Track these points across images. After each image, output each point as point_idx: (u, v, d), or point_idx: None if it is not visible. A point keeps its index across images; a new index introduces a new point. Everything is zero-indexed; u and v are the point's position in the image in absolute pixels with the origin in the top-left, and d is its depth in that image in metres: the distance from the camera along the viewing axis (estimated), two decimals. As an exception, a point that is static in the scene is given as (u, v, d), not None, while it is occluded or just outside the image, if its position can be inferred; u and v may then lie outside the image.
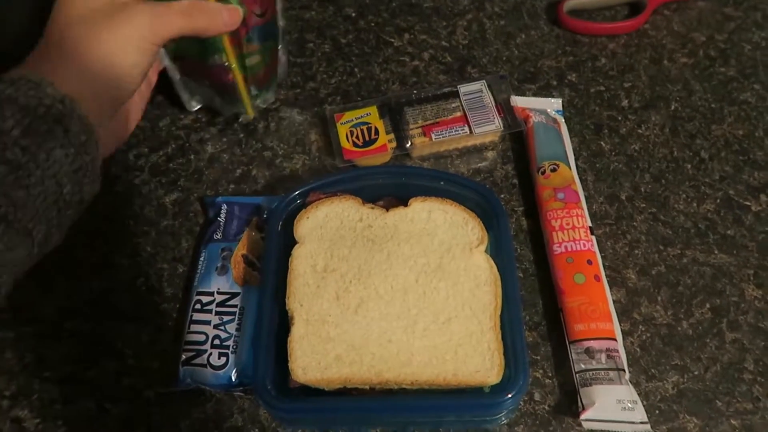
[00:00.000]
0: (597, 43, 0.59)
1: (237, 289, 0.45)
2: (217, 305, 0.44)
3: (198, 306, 0.44)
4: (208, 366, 0.42)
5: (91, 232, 0.50)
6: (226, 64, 0.48)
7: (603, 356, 0.42)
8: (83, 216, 0.50)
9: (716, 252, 0.48)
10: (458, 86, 0.54)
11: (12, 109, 0.32)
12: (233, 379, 0.42)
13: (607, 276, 0.46)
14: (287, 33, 0.54)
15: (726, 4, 0.60)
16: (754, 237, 0.49)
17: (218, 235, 0.47)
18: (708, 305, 0.46)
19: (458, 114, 0.52)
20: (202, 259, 0.47)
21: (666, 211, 0.50)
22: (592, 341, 0.43)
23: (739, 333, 0.45)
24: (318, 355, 0.40)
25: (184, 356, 0.43)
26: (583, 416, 0.40)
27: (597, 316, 0.43)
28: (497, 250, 0.44)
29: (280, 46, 0.52)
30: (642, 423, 0.40)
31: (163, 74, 0.50)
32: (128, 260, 0.48)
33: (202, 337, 0.43)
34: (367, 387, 0.40)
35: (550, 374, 0.44)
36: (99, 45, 0.36)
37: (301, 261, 0.43)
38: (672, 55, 0.58)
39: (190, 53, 0.49)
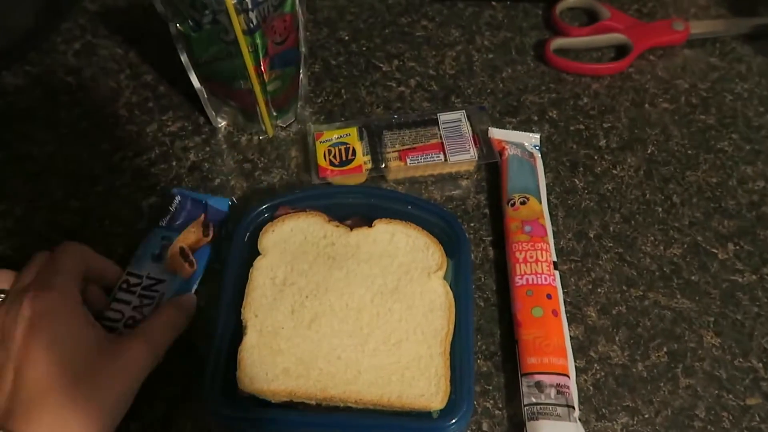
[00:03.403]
0: (581, 82, 0.60)
1: (164, 277, 0.46)
2: (143, 288, 0.45)
3: (124, 286, 0.45)
4: None
5: (67, 230, 0.51)
6: (249, 88, 0.51)
7: (553, 391, 0.42)
8: (61, 214, 0.52)
9: (678, 296, 0.48)
10: (438, 114, 0.55)
11: None
12: None
13: (567, 312, 0.47)
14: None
15: (711, 54, 0.61)
16: (717, 284, 0.49)
17: (163, 223, 0.48)
18: (665, 349, 0.46)
19: (435, 141, 0.53)
20: (142, 243, 0.47)
21: (632, 252, 0.50)
22: (543, 375, 0.43)
23: (693, 379, 0.45)
24: (266, 366, 0.40)
25: None
26: (525, 449, 0.40)
27: (550, 350, 0.43)
28: (456, 278, 0.44)
29: (301, 71, 0.54)
30: (585, 461, 0.40)
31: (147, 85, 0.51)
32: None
33: (118, 315, 0.44)
34: (313, 402, 0.40)
35: (501, 405, 0.44)
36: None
37: (261, 272, 0.43)
38: (654, 100, 0.58)
39: (218, 77, 0.51)
